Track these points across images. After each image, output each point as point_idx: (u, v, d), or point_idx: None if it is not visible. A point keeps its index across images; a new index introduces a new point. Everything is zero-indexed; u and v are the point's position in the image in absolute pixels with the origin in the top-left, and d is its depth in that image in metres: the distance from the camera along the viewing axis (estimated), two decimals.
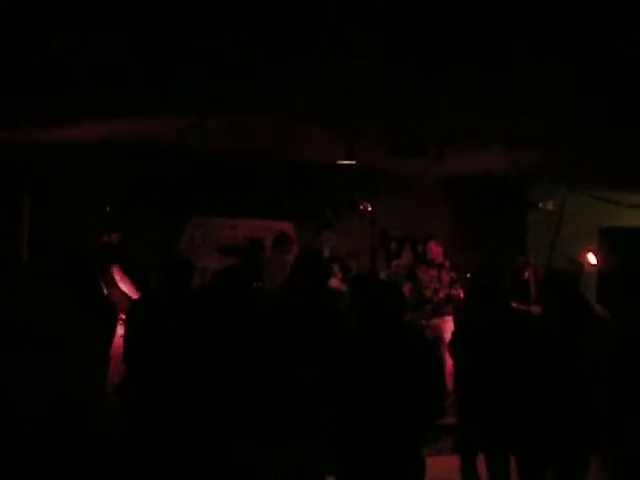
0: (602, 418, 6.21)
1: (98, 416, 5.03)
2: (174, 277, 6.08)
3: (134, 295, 8.12)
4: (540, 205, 12.73)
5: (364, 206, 11.48)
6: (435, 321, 10.00)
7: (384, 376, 4.84)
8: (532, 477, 6.19)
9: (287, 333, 5.28)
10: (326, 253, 9.41)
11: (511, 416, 5.88)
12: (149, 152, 10.44)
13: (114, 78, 6.58)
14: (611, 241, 13.27)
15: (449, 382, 6.59)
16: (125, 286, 8.29)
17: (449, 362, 7.21)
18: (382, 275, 10.46)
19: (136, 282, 8.43)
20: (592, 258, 11.26)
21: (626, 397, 6.14)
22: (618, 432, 6.21)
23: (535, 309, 8.44)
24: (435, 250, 10.56)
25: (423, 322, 9.90)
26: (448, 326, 10.07)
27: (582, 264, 9.38)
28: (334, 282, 9.36)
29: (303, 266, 5.87)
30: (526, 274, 10.10)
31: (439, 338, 9.48)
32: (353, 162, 9.76)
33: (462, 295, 10.05)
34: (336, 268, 9.70)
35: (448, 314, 10.25)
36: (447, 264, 10.56)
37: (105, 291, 6.22)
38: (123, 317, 6.48)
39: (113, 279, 8.19)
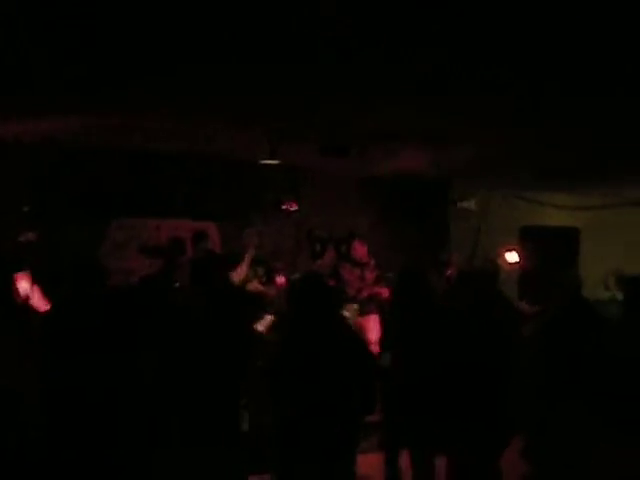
0: (527, 407, 6.35)
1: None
2: (82, 283, 5.85)
3: (43, 307, 7.77)
4: (462, 204, 12.90)
5: (288, 206, 11.46)
6: (359, 320, 10.04)
7: (319, 373, 4.85)
8: (458, 473, 6.28)
9: (205, 338, 5.23)
10: (250, 253, 9.34)
11: (437, 413, 5.94)
12: (70, 152, 10.27)
13: (27, 77, 6.47)
14: (531, 239, 13.52)
15: None
16: (34, 296, 7.90)
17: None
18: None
19: (49, 288, 8.14)
20: (513, 256, 11.44)
21: (552, 387, 6.30)
22: (542, 420, 6.36)
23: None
24: (359, 249, 10.61)
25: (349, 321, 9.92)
26: (372, 325, 10.15)
27: (498, 264, 9.53)
28: (254, 285, 9.34)
29: None
30: (449, 272, 10.20)
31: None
32: (277, 162, 9.75)
33: (386, 294, 10.12)
34: (260, 270, 9.65)
35: (372, 313, 10.32)
36: (371, 263, 10.62)
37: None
38: None
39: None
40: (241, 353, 5.08)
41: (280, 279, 9.80)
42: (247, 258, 9.26)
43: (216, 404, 4.94)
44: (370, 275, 10.49)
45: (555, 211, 14.27)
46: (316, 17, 4.82)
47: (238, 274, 9.02)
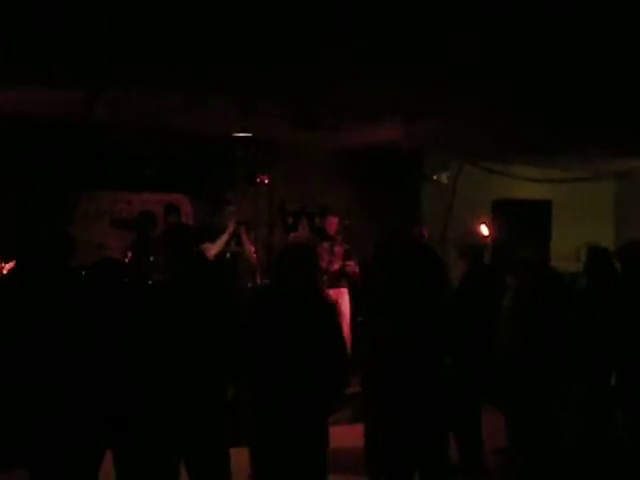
0: (503, 374, 6.43)
1: None
2: (51, 254, 5.82)
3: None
4: (434, 177, 12.92)
5: (261, 179, 11.43)
6: (331, 292, 10.05)
7: (294, 343, 4.87)
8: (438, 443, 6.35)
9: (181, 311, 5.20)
10: (230, 229, 9.38)
11: (418, 384, 5.94)
12: (40, 124, 10.17)
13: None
14: (503, 213, 13.58)
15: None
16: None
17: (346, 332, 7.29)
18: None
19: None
20: (485, 229, 11.48)
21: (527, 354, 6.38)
22: (517, 386, 6.43)
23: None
24: (332, 223, 10.62)
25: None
26: (343, 298, 10.24)
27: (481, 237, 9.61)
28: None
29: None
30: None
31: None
32: (249, 134, 9.71)
33: (355, 268, 10.18)
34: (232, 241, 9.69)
35: (343, 286, 10.37)
36: (339, 237, 10.63)
37: None
38: None
39: None
40: (223, 323, 5.05)
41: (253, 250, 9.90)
42: (227, 234, 9.32)
43: (199, 374, 4.94)
44: (339, 249, 10.51)
45: (527, 184, 14.32)
46: None
47: (214, 248, 9.06)
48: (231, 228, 9.42)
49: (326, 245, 10.42)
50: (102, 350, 5.09)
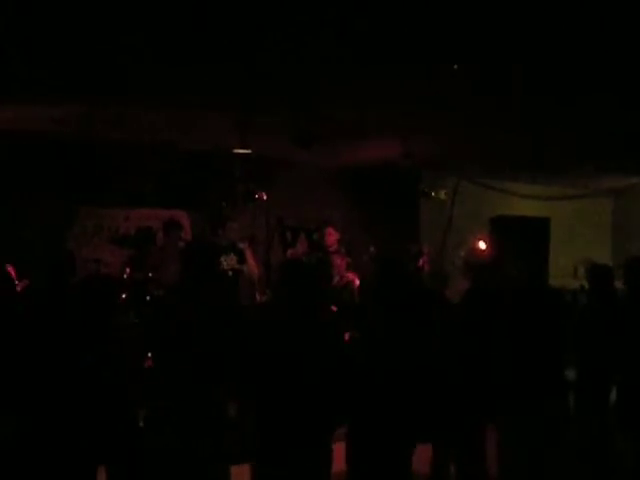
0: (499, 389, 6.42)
1: None
2: (54, 273, 5.80)
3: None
4: (432, 194, 12.92)
5: (259, 195, 11.42)
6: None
7: (298, 360, 4.88)
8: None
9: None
10: (245, 246, 9.44)
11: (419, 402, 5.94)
12: (39, 139, 10.18)
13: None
14: (501, 229, 13.58)
15: None
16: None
17: None
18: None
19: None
20: (483, 246, 11.47)
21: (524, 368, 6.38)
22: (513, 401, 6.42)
23: None
24: (331, 236, 10.59)
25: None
26: None
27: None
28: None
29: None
30: (420, 262, 10.21)
31: None
32: (249, 151, 9.72)
33: (356, 281, 10.13)
34: (234, 258, 9.67)
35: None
36: (341, 250, 10.60)
37: None
38: None
39: None
40: (229, 341, 5.04)
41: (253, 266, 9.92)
42: (248, 252, 9.42)
43: (204, 392, 4.92)
44: (341, 262, 10.46)
45: (526, 201, 14.35)
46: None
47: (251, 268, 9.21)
48: (247, 247, 9.52)
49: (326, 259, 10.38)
50: (93, 363, 5.07)
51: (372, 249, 10.26)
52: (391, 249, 10.31)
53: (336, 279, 10.30)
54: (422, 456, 6.32)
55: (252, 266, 9.79)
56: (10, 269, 7.94)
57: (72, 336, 5.07)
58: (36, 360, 5.00)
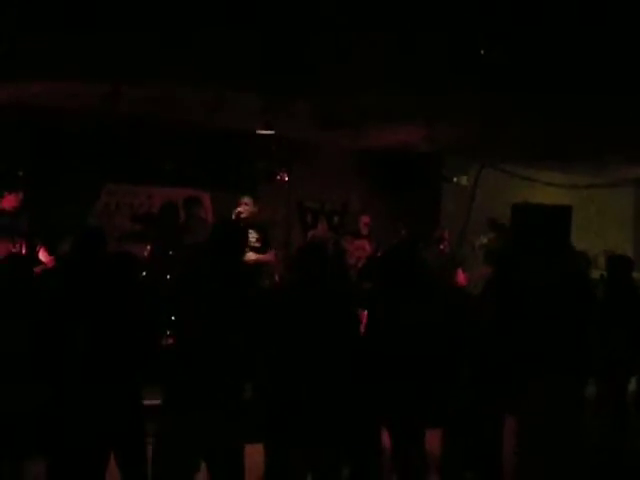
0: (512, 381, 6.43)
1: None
2: (86, 248, 5.82)
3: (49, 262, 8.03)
4: (454, 180, 12.90)
5: (281, 176, 11.44)
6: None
7: (314, 341, 4.95)
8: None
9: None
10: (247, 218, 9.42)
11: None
12: (64, 116, 10.23)
13: (30, 39, 6.44)
14: (523, 217, 13.51)
15: None
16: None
17: None
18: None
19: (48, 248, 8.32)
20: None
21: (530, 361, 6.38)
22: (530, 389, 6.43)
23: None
24: (365, 222, 10.67)
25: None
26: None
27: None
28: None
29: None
30: (441, 247, 10.23)
31: None
32: (272, 132, 9.73)
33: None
34: (254, 235, 9.66)
35: None
36: (369, 235, 10.67)
37: None
38: None
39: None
40: (248, 321, 5.05)
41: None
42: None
43: (221, 370, 4.94)
44: (369, 247, 10.51)
45: (548, 189, 14.27)
46: None
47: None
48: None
49: (358, 243, 10.41)
50: (107, 345, 5.10)
51: (403, 232, 10.30)
52: (411, 234, 10.33)
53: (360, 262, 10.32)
54: (432, 441, 6.37)
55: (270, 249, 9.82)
56: (42, 251, 8.12)
57: (98, 310, 5.12)
58: (66, 334, 5.06)
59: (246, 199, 9.77)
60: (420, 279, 6.24)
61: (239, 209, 9.61)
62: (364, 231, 10.64)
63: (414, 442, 5.94)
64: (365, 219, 10.69)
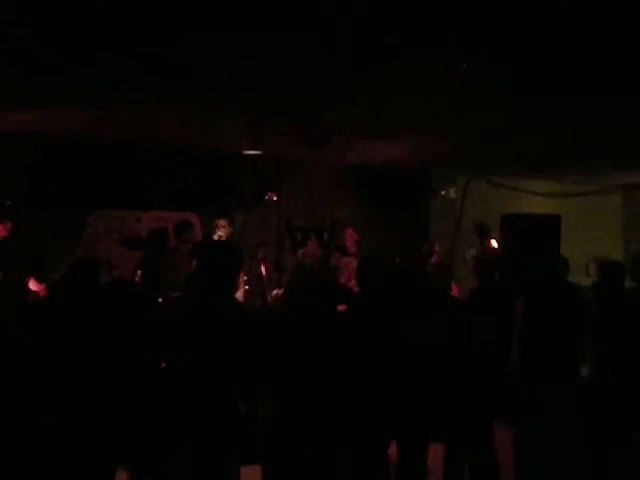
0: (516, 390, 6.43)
1: None
2: (81, 278, 5.79)
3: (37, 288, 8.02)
4: (442, 193, 12.92)
5: (269, 196, 11.44)
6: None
7: (317, 364, 4.95)
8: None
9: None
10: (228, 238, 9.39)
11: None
12: (50, 143, 10.22)
13: (18, 69, 6.45)
14: (512, 227, 13.57)
15: None
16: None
17: None
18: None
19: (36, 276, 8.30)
20: (494, 244, 11.48)
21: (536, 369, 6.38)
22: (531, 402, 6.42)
23: None
24: (351, 237, 10.60)
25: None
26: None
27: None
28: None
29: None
30: (432, 261, 10.21)
31: None
32: (258, 152, 9.73)
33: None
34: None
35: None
36: (359, 251, 10.60)
37: None
38: None
39: None
40: (246, 346, 5.03)
41: (263, 269, 9.90)
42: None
43: (214, 394, 4.91)
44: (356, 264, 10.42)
45: (536, 199, 14.33)
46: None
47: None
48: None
49: (346, 259, 10.36)
50: (110, 368, 5.09)
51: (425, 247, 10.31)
52: (401, 248, 10.33)
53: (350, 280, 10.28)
54: (435, 455, 6.35)
55: (262, 269, 9.79)
56: (32, 280, 8.10)
57: (103, 338, 5.12)
58: (72, 362, 5.05)
59: (222, 221, 9.74)
60: (427, 295, 6.27)
61: (219, 233, 9.57)
62: (352, 248, 10.57)
63: (421, 456, 5.96)
64: (351, 234, 10.61)
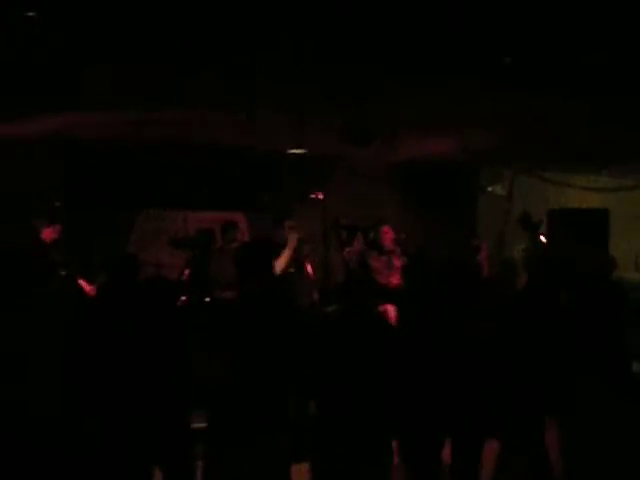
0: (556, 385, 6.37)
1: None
2: (119, 276, 5.85)
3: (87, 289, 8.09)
4: (489, 189, 12.85)
5: (316, 195, 11.42)
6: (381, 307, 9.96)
7: (361, 364, 5.00)
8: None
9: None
10: (292, 243, 9.31)
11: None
12: (98, 145, 10.33)
13: (63, 74, 6.52)
14: (559, 222, 13.43)
15: None
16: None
17: None
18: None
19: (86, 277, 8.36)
20: (543, 239, 11.37)
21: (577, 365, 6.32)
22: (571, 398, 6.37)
23: None
24: (387, 235, 10.48)
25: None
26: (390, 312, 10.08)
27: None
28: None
29: None
30: (479, 257, 10.13)
31: None
32: (303, 151, 9.74)
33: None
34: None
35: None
36: (398, 250, 10.49)
37: None
38: None
39: None
40: (291, 341, 5.04)
41: (309, 266, 9.90)
42: (289, 247, 9.15)
43: (265, 393, 4.93)
44: (397, 262, 10.35)
45: (584, 193, 14.16)
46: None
47: (280, 263, 8.95)
48: (293, 242, 9.32)
49: (384, 259, 10.27)
50: (153, 365, 5.13)
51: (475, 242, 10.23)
52: (449, 245, 10.27)
53: (394, 280, 10.20)
54: (488, 451, 6.31)
55: (308, 267, 9.76)
56: (82, 281, 8.18)
57: (139, 338, 5.16)
58: (111, 363, 5.09)
59: (289, 222, 9.72)
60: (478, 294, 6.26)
61: (291, 235, 9.48)
62: (389, 246, 10.43)
63: (476, 453, 5.93)
64: (387, 231, 10.44)
